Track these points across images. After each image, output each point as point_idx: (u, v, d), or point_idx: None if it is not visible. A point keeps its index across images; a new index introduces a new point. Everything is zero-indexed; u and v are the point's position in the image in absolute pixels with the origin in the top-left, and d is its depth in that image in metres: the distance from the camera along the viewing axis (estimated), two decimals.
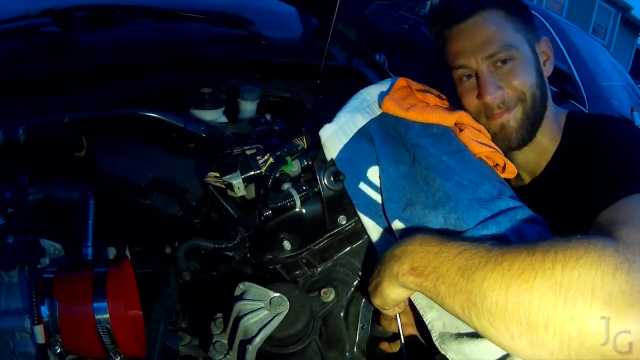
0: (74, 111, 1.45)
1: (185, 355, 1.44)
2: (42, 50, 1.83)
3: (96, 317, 1.10)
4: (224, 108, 1.57)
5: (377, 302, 1.20)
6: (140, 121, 1.48)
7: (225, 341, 1.32)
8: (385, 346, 1.39)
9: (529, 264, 0.87)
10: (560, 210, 1.24)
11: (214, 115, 1.53)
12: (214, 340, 1.33)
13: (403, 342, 1.33)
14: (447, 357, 1.11)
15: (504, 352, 1.00)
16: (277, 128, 1.56)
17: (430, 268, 1.02)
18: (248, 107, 1.60)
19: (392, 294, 1.13)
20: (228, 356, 1.31)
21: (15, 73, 1.61)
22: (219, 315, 1.36)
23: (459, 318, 0.98)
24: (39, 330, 1.07)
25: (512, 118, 1.45)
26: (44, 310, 1.10)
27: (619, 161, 1.28)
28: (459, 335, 1.10)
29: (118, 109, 1.48)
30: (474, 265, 0.94)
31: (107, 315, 1.11)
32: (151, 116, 1.47)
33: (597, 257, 0.83)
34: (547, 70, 1.53)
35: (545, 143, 1.52)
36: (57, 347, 1.11)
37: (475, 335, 1.06)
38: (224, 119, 1.60)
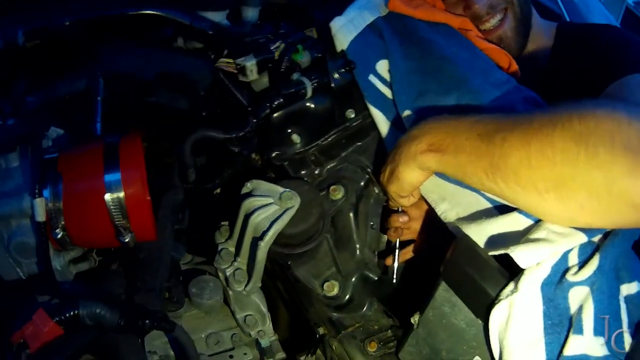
0: (76, 13, 1.35)
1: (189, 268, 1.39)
2: None
3: (107, 188, 1.00)
4: (227, 11, 1.48)
5: (393, 188, 1.14)
6: (146, 20, 1.38)
7: (232, 248, 1.28)
8: (388, 261, 1.33)
9: (547, 120, 0.84)
10: None
11: (218, 18, 1.44)
12: (219, 249, 1.29)
13: (397, 261, 1.30)
14: (468, 236, 1.02)
15: (527, 225, 0.96)
16: (282, 31, 1.46)
17: (449, 140, 0.98)
18: (250, 13, 1.49)
19: (409, 176, 1.08)
20: (235, 263, 1.27)
21: None
22: (224, 223, 1.32)
23: (484, 187, 0.95)
24: (40, 204, 0.97)
25: (508, 29, 1.47)
26: (46, 192, 0.99)
27: (616, 49, 1.32)
28: (476, 218, 1.05)
29: (123, 8, 1.38)
30: (493, 129, 0.91)
31: (120, 186, 1.01)
32: (157, 14, 1.37)
33: (610, 109, 0.81)
34: None
35: (537, 52, 1.54)
36: (58, 231, 1.00)
37: (491, 214, 1.04)
38: (227, 23, 1.49)
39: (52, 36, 1.31)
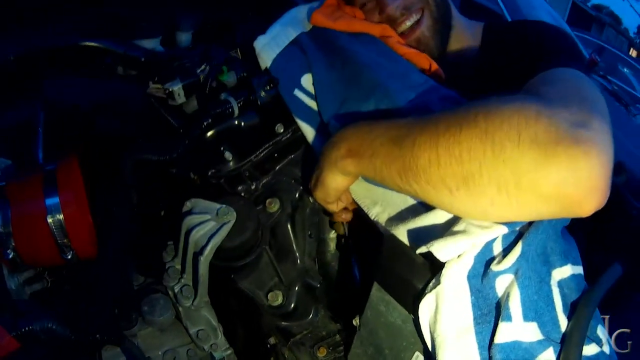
0: (19, 46, 1.52)
1: (141, 287, 1.51)
2: None
3: (48, 211, 1.21)
4: (160, 38, 1.67)
5: (319, 195, 1.28)
6: (83, 51, 1.56)
7: (178, 266, 1.41)
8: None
9: (454, 120, 0.93)
10: None
11: (151, 44, 1.63)
12: (166, 267, 1.41)
13: (349, 241, 1.44)
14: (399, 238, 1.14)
15: (448, 218, 1.05)
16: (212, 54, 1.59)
17: (365, 146, 1.09)
18: (184, 38, 1.68)
19: (332, 182, 1.22)
20: (182, 280, 1.40)
21: None
22: (170, 242, 1.44)
23: (400, 189, 1.04)
24: None
25: (425, 29, 1.59)
26: None
27: (538, 43, 1.42)
28: (405, 219, 1.14)
29: (61, 41, 1.55)
30: (404, 133, 1.01)
31: (59, 208, 1.21)
32: (93, 45, 1.56)
33: (518, 105, 0.89)
34: None
35: (463, 51, 1.65)
36: (9, 252, 1.20)
37: (418, 212, 1.12)
38: (160, 49, 1.68)
39: None
